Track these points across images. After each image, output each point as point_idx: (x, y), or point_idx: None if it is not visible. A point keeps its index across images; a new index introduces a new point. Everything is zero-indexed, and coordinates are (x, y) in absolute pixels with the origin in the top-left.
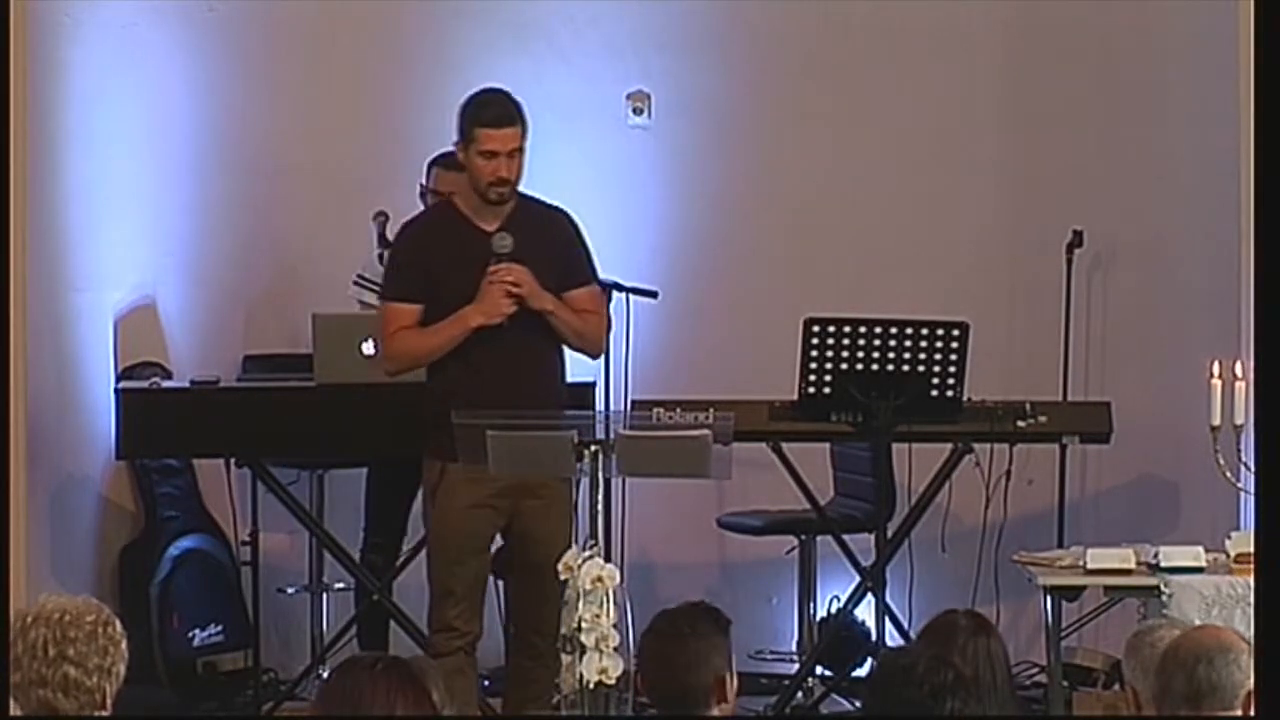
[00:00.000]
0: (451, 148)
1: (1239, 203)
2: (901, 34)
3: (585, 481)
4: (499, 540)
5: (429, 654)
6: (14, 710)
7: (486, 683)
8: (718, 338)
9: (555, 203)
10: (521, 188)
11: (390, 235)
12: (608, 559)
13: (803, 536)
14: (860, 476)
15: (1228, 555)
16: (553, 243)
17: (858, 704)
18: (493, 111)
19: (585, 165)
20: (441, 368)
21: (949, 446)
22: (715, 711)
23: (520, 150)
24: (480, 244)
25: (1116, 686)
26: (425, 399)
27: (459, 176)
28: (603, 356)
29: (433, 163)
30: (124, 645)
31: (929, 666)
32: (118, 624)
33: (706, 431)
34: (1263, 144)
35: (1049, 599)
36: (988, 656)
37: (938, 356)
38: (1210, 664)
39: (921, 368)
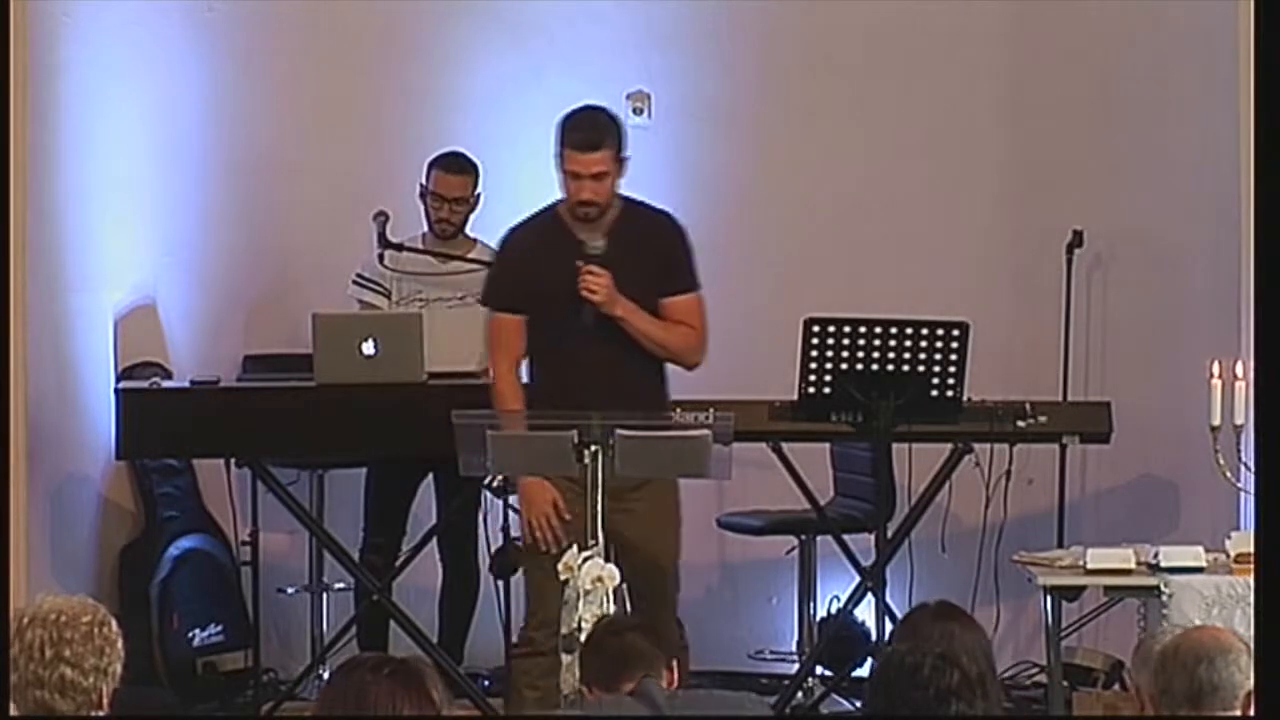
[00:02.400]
0: (451, 149)
1: (1239, 203)
2: (902, 34)
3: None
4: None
5: (519, 651)
6: (11, 711)
7: (487, 683)
8: (718, 338)
9: (662, 207)
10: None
11: (390, 235)
12: (608, 559)
13: (803, 536)
14: (860, 476)
15: (1228, 555)
16: (652, 250)
17: (858, 704)
18: (577, 135)
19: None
20: (538, 377)
21: (949, 446)
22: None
23: (607, 173)
24: (577, 254)
25: (1116, 686)
26: (529, 404)
27: (456, 178)
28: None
29: (432, 164)
30: (120, 645)
31: (934, 668)
32: (114, 624)
33: (706, 431)
34: (1263, 144)
35: (1049, 599)
36: (958, 645)
37: (938, 356)
38: (1211, 664)
39: (921, 368)
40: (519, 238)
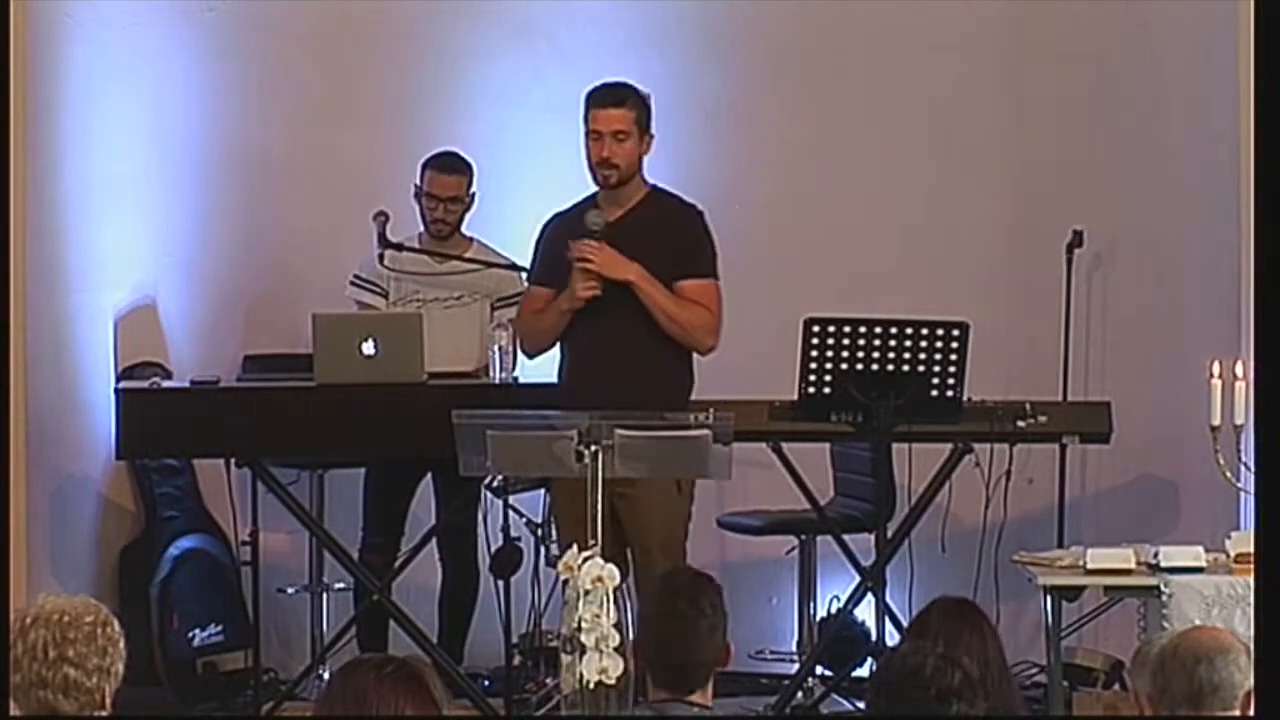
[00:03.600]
0: (444, 149)
1: (1239, 203)
2: (902, 34)
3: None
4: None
5: None
6: (14, 711)
7: (487, 683)
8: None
9: (692, 201)
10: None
11: (390, 235)
12: (616, 547)
13: (803, 536)
14: (860, 476)
15: (1228, 555)
16: (670, 235)
17: (858, 704)
18: (601, 93)
19: (586, 165)
20: (562, 353)
21: (949, 446)
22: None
23: (627, 134)
24: (601, 232)
25: (1116, 686)
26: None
27: (450, 178)
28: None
29: (425, 164)
30: (122, 644)
31: (936, 668)
32: (116, 623)
33: (706, 431)
34: (1263, 144)
35: (1049, 599)
36: (961, 646)
37: (938, 356)
38: (1211, 664)
39: (921, 368)
40: (556, 218)
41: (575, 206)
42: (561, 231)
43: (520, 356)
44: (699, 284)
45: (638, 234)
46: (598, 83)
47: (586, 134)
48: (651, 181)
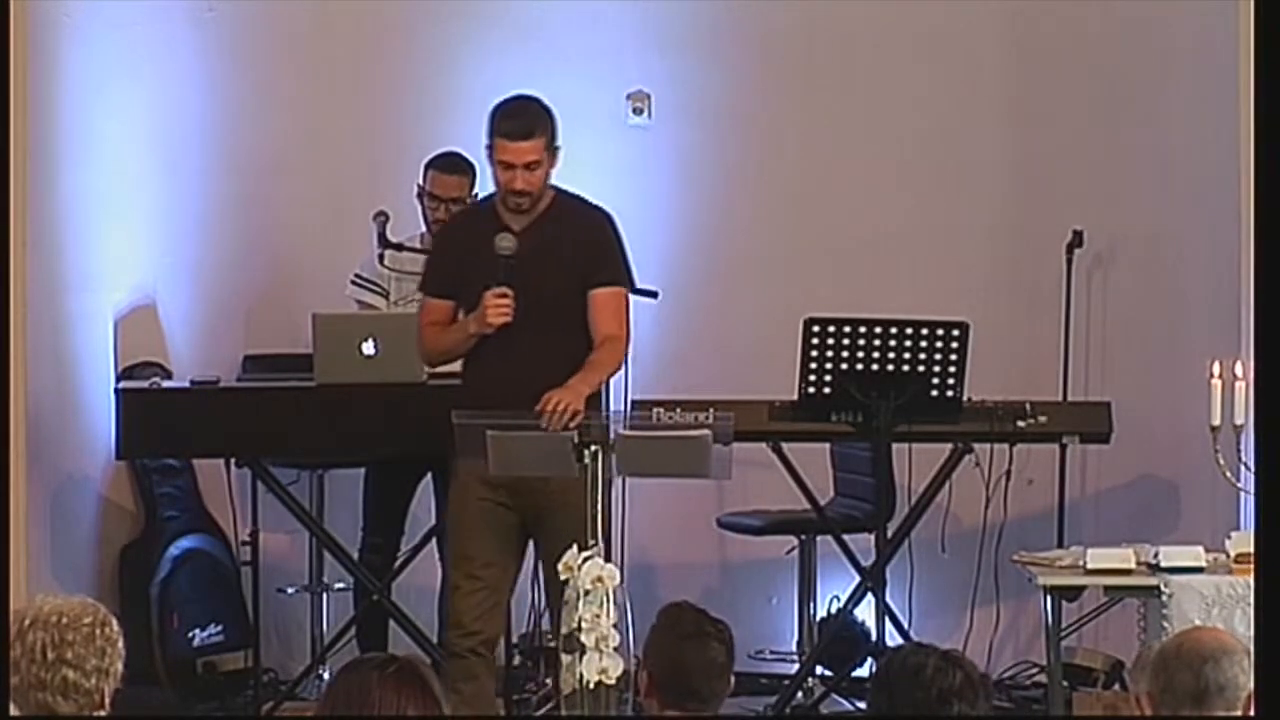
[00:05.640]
0: (447, 149)
1: (1239, 203)
2: (902, 34)
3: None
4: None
5: (445, 652)
6: (13, 711)
7: None
8: (718, 338)
9: (598, 204)
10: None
11: (390, 235)
12: (608, 559)
13: (803, 536)
14: (860, 476)
15: (1228, 555)
16: (579, 242)
17: (858, 704)
18: (509, 124)
19: (585, 165)
20: (466, 369)
21: (949, 446)
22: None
23: (539, 162)
24: (512, 257)
25: (1116, 686)
26: (459, 396)
27: (453, 178)
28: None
29: (428, 165)
30: (121, 644)
31: (937, 668)
32: (114, 623)
33: (706, 431)
34: (1263, 144)
35: (1049, 599)
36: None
37: (938, 356)
38: (1216, 664)
39: (921, 368)
40: (454, 227)
41: (472, 212)
42: (461, 241)
43: None
44: (608, 292)
45: (547, 244)
46: (504, 101)
47: (491, 155)
48: (555, 185)
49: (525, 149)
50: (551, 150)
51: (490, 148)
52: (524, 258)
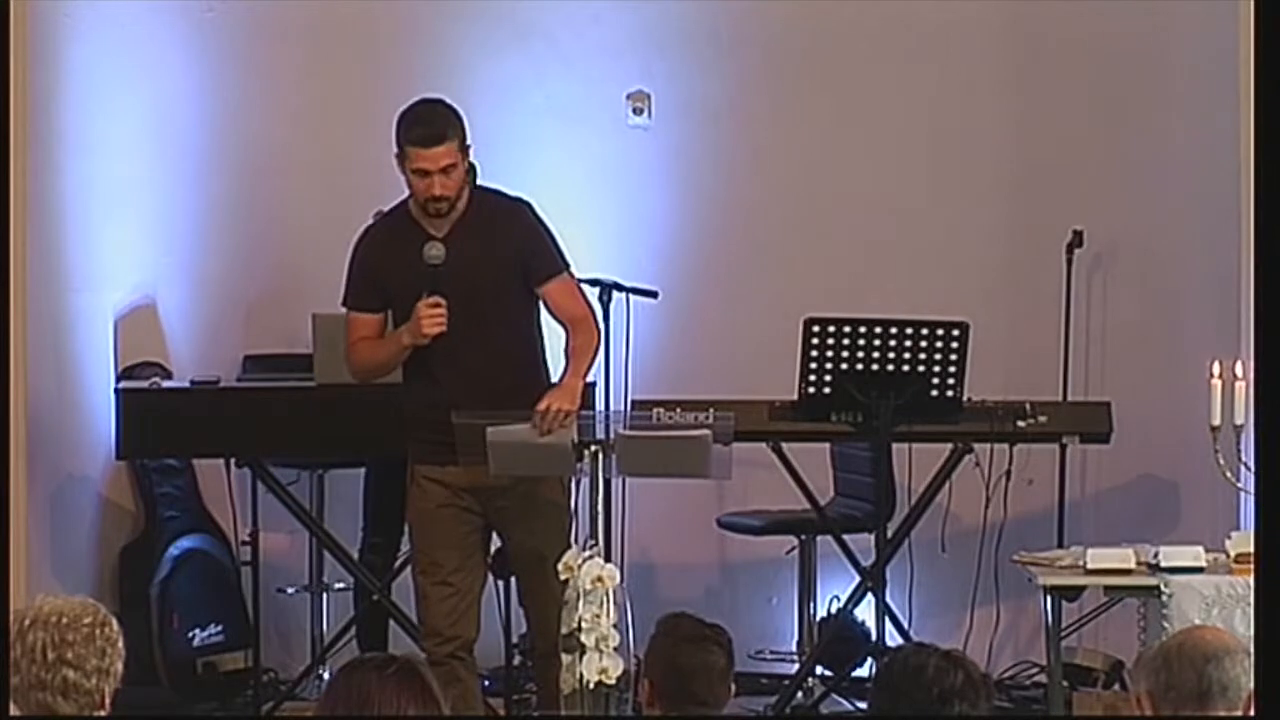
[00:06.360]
0: None
1: (1239, 203)
2: (902, 34)
3: (585, 481)
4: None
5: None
6: (13, 712)
7: (487, 683)
8: (718, 338)
9: (515, 194)
10: (485, 183)
11: None
12: (608, 559)
13: (803, 536)
14: (860, 476)
15: (1228, 555)
16: (508, 238)
17: (858, 704)
18: (420, 130)
19: (585, 165)
20: (408, 374)
21: (949, 446)
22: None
23: (454, 165)
24: (441, 265)
25: (1116, 686)
26: (402, 402)
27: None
28: (602, 357)
29: None
30: (121, 644)
31: (939, 668)
32: (114, 623)
33: (706, 431)
34: (1263, 144)
35: (1049, 599)
36: None
37: (938, 356)
38: (1219, 664)
39: (921, 368)
40: (371, 238)
41: (388, 223)
42: (382, 253)
43: None
44: (559, 284)
45: (474, 243)
46: (409, 108)
47: (403, 164)
48: (469, 183)
49: (439, 154)
50: (464, 150)
51: (400, 156)
52: (454, 262)
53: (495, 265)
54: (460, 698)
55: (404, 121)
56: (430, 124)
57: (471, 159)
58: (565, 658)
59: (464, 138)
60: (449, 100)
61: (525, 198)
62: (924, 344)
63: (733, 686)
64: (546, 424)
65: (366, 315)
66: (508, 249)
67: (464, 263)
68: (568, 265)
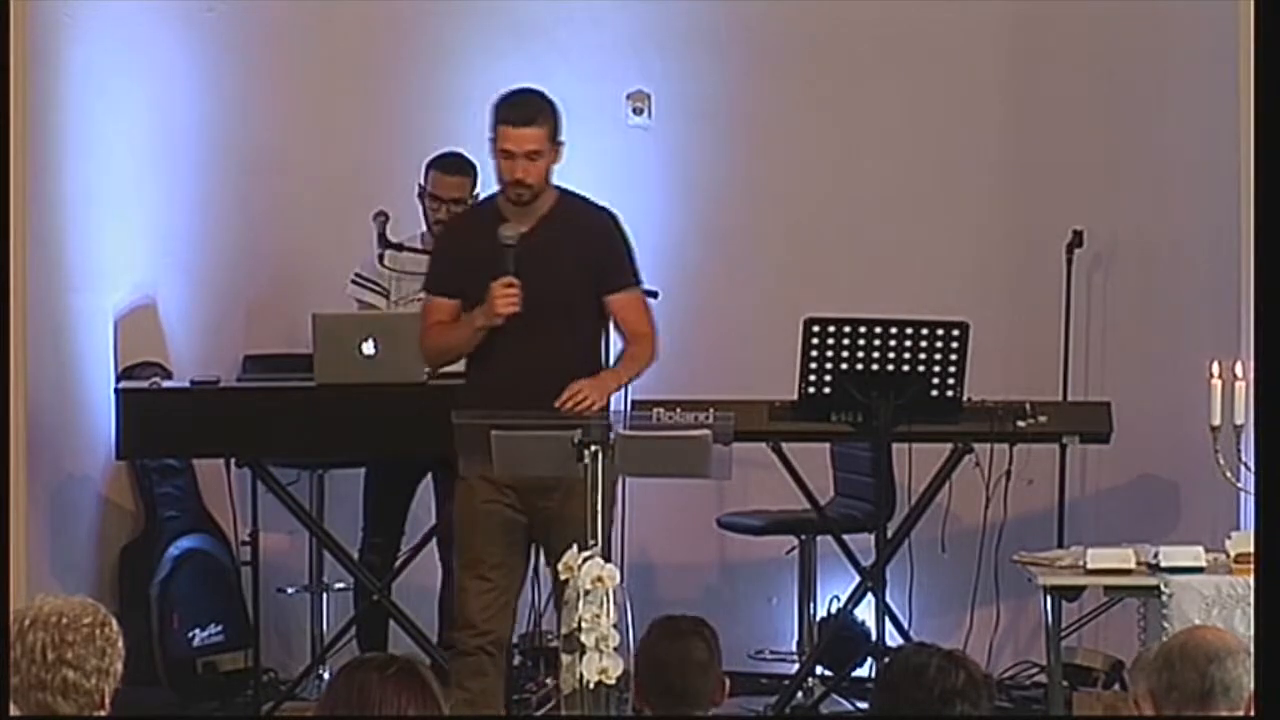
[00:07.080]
0: (449, 149)
1: (1239, 203)
2: (902, 34)
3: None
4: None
5: (453, 651)
6: (13, 712)
7: None
8: (718, 338)
9: (602, 204)
10: (564, 185)
11: (390, 235)
12: (608, 559)
13: (803, 536)
14: (860, 476)
15: (1228, 555)
16: (586, 243)
17: (858, 704)
18: (511, 111)
19: (585, 165)
20: (470, 369)
21: (949, 446)
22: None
23: (540, 153)
24: (516, 246)
25: (1116, 686)
26: (461, 396)
27: (454, 179)
28: (601, 357)
29: (429, 165)
30: (121, 644)
31: (940, 668)
32: (114, 623)
33: (706, 431)
34: (1263, 144)
35: (1049, 599)
36: None
37: (938, 356)
38: (1221, 664)
39: (921, 368)
40: (456, 226)
41: (474, 211)
42: (464, 239)
43: None
44: (626, 297)
45: (553, 246)
46: (508, 91)
47: (494, 146)
48: (558, 185)
49: (526, 136)
50: (554, 143)
51: (493, 138)
52: (530, 253)
53: (570, 266)
54: (483, 692)
55: (499, 102)
56: (524, 106)
57: (477, 190)
58: (565, 658)
59: (556, 129)
60: (547, 93)
61: (611, 208)
62: (924, 344)
63: (726, 682)
64: (565, 402)
65: (442, 300)
66: (585, 253)
67: (541, 257)
68: (640, 282)
